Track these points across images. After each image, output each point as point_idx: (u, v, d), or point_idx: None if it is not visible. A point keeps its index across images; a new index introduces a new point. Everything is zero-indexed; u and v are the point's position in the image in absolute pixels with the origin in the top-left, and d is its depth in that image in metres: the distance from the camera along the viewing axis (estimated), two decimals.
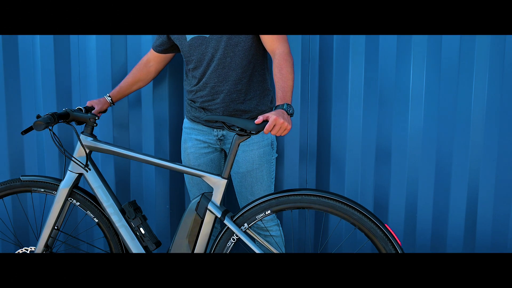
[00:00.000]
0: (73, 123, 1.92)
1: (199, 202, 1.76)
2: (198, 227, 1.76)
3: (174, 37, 1.95)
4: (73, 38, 2.32)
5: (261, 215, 1.73)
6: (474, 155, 2.17)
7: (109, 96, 2.11)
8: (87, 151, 1.85)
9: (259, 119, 1.62)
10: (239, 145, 1.74)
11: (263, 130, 1.64)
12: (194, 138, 2.01)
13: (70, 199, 1.90)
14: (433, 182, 2.21)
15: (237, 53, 1.84)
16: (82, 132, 1.86)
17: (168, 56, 2.10)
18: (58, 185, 1.90)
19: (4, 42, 2.32)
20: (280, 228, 2.05)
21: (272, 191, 2.03)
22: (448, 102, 2.15)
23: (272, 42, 1.81)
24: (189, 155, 2.02)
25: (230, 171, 1.74)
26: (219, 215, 1.73)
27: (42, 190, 1.91)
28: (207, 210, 1.74)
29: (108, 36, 2.28)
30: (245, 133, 1.70)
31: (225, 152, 2.06)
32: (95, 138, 1.87)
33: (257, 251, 1.69)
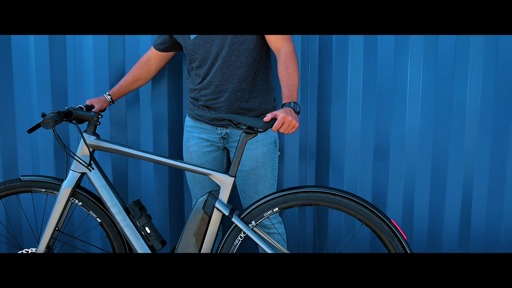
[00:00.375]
0: (74, 121, 1.88)
1: (206, 200, 1.75)
2: (206, 226, 1.76)
3: (177, 36, 1.94)
4: (69, 36, 2.28)
5: (269, 212, 1.74)
6: (469, 152, 2.23)
7: (109, 94, 2.08)
8: (91, 150, 1.82)
9: (268, 117, 1.63)
10: (246, 143, 1.74)
11: (270, 128, 1.66)
12: (197, 136, 2.01)
13: (72, 199, 1.87)
14: (430, 179, 2.26)
15: (242, 52, 1.85)
16: (84, 131, 1.83)
17: (169, 54, 2.09)
18: (60, 185, 1.86)
19: None
20: (282, 225, 2.06)
21: (275, 189, 2.04)
22: (444, 101, 2.21)
23: (277, 41, 1.82)
24: (192, 153, 2.01)
25: (237, 169, 1.75)
26: (226, 213, 1.73)
27: (44, 190, 1.87)
28: (215, 208, 1.74)
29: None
30: (252, 131, 1.70)
31: (227, 150, 2.06)
32: (98, 137, 1.84)
33: (265, 247, 1.70)
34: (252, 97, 1.92)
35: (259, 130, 1.70)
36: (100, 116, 1.83)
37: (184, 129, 2.08)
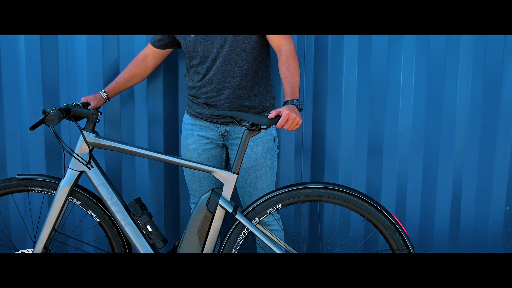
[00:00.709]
0: (72, 118, 1.85)
1: (209, 197, 1.75)
2: (209, 223, 1.76)
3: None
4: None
5: (272, 208, 1.76)
6: (458, 149, 2.30)
7: (105, 92, 2.05)
8: (90, 148, 1.79)
9: (272, 114, 1.64)
10: (249, 140, 1.75)
11: (274, 124, 1.67)
12: (196, 134, 2.00)
13: (71, 198, 1.83)
14: (421, 175, 2.32)
15: (243, 49, 1.86)
16: (83, 129, 1.80)
17: (167, 51, 2.08)
18: (58, 184, 1.82)
19: None
20: (280, 222, 2.08)
21: (274, 186, 2.05)
22: (435, 100, 2.27)
23: (278, 39, 1.84)
24: (191, 151, 2.01)
25: (240, 166, 1.75)
26: (230, 210, 1.74)
27: (41, 189, 1.82)
28: (218, 206, 1.74)
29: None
30: (256, 128, 1.71)
31: (226, 148, 2.06)
32: (97, 134, 1.81)
33: (269, 244, 1.71)
34: (253, 94, 1.93)
35: (262, 127, 1.72)
36: (99, 114, 1.81)
37: (183, 127, 2.07)
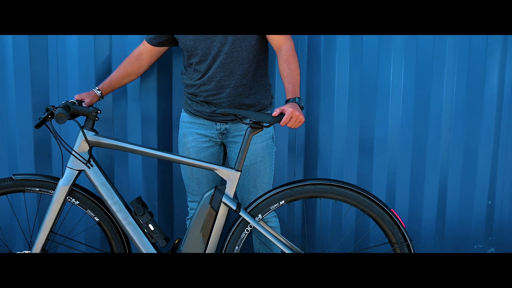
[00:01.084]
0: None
1: (213, 195, 1.76)
2: (212, 221, 1.76)
3: None
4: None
5: (275, 205, 1.78)
6: (445, 147, 2.40)
7: (99, 89, 2.02)
8: (90, 146, 1.76)
9: (276, 112, 1.67)
10: (252, 137, 1.77)
11: (277, 122, 1.69)
12: (195, 132, 2.00)
13: (69, 198, 1.79)
14: (409, 172, 2.40)
15: (244, 48, 1.87)
16: (82, 127, 1.76)
17: (163, 49, 2.06)
18: (55, 184, 1.78)
19: None
20: (277, 219, 2.11)
21: (272, 183, 2.08)
22: (423, 99, 2.36)
23: (278, 38, 1.86)
24: (190, 149, 2.00)
25: (243, 163, 1.77)
26: (234, 207, 1.75)
27: (37, 189, 1.78)
28: (222, 203, 1.75)
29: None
30: (259, 125, 1.73)
31: (224, 146, 2.06)
32: (96, 132, 1.78)
33: (273, 239, 1.74)
34: (252, 93, 1.94)
35: (264, 124, 1.74)
36: (98, 111, 1.78)
37: (180, 125, 2.06)
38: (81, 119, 1.99)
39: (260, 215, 1.78)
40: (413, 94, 2.35)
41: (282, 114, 1.68)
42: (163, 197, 2.36)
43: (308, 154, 2.39)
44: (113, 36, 2.21)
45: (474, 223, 2.47)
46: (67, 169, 1.76)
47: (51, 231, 1.76)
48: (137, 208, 1.79)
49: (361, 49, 2.30)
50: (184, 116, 2.04)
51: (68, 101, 1.80)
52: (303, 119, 1.68)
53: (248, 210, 1.78)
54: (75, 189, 1.79)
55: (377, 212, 1.77)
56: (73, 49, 2.19)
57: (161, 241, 1.80)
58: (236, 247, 1.79)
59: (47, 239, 1.76)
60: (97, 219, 1.82)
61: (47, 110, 1.63)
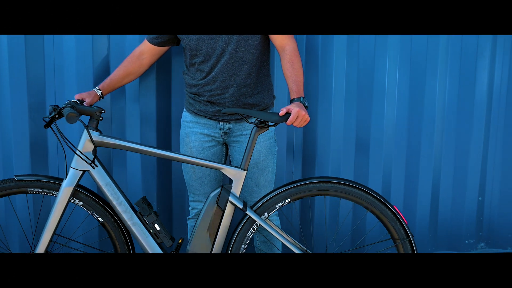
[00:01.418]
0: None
1: (219, 194, 1.77)
2: (219, 220, 1.77)
3: None
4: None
5: (281, 203, 1.80)
6: (437, 145, 2.47)
7: (99, 89, 2.00)
8: (95, 146, 1.74)
9: (283, 111, 1.69)
10: (258, 137, 1.79)
11: (283, 122, 1.72)
12: (198, 132, 2.00)
13: (72, 199, 1.77)
14: (404, 170, 2.47)
15: (248, 48, 1.88)
16: (87, 126, 1.74)
17: (164, 49, 2.06)
18: (58, 184, 1.76)
19: None
20: (278, 217, 2.13)
21: (273, 182, 2.10)
22: (417, 98, 2.42)
23: (282, 39, 1.89)
24: (192, 148, 2.00)
25: (249, 162, 1.78)
26: (241, 206, 1.76)
27: (40, 190, 1.75)
28: (228, 202, 1.76)
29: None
30: (265, 125, 1.75)
31: (226, 145, 2.07)
32: (100, 132, 1.77)
33: (279, 237, 1.76)
34: (256, 92, 1.96)
35: (269, 124, 1.76)
36: (103, 111, 1.76)
37: (182, 125, 2.06)
38: (84, 119, 1.96)
39: (266, 214, 1.80)
40: (407, 94, 2.41)
41: (288, 114, 1.70)
42: (162, 198, 2.35)
43: (306, 153, 2.42)
44: (111, 35, 2.19)
45: (466, 219, 2.55)
46: (71, 169, 1.74)
47: (54, 232, 1.73)
48: (142, 208, 1.78)
49: (357, 49, 2.35)
50: (186, 116, 2.04)
51: (71, 101, 1.78)
52: (309, 118, 1.71)
53: (254, 208, 1.80)
54: (79, 189, 1.77)
55: (380, 209, 1.81)
56: (70, 48, 2.16)
57: (167, 241, 1.79)
58: (243, 246, 1.80)
59: (51, 240, 1.73)
60: (101, 220, 1.80)
61: (55, 109, 1.61)
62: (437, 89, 2.42)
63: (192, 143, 2.01)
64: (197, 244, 1.77)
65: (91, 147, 1.75)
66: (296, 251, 1.77)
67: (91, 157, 1.75)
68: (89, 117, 1.76)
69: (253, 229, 1.80)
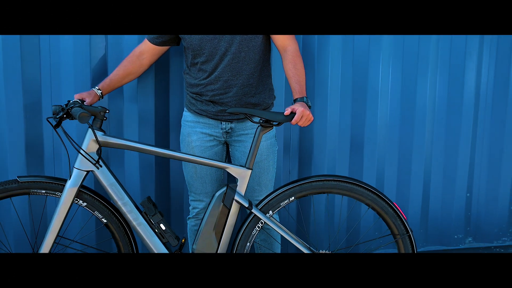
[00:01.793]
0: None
1: (225, 193, 1.78)
2: (225, 218, 1.79)
3: None
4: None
5: (285, 201, 1.83)
6: (428, 143, 2.55)
7: (99, 89, 1.98)
8: (100, 146, 1.73)
9: (288, 111, 1.72)
10: (262, 136, 1.81)
11: (288, 121, 1.75)
12: (199, 131, 2.01)
13: (76, 200, 1.75)
14: (396, 168, 2.54)
15: (251, 48, 1.90)
16: (92, 126, 1.73)
17: (164, 48, 2.06)
18: (62, 185, 1.74)
19: None
20: (277, 216, 2.16)
21: (274, 181, 2.12)
22: (409, 98, 2.49)
23: (284, 39, 1.91)
24: (194, 148, 2.01)
25: (254, 161, 1.81)
26: (246, 205, 1.78)
27: (44, 191, 1.72)
28: (234, 201, 1.78)
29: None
30: (269, 124, 1.78)
31: (227, 144, 2.09)
32: (104, 132, 1.76)
33: (285, 235, 1.79)
34: (258, 92, 1.98)
35: (274, 123, 1.78)
36: (107, 111, 1.75)
37: (183, 124, 2.06)
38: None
39: (270, 212, 1.83)
40: (399, 94, 2.48)
41: (293, 113, 1.73)
42: (161, 197, 2.34)
43: (302, 152, 2.45)
44: (109, 35, 2.17)
45: (455, 215, 2.64)
46: (75, 170, 1.72)
47: (58, 234, 1.71)
48: (148, 208, 1.78)
49: (352, 50, 2.40)
50: (188, 116, 2.05)
51: (73, 101, 1.76)
52: (312, 118, 1.75)
53: (259, 207, 1.82)
54: (83, 190, 1.75)
55: (381, 206, 1.86)
56: (67, 48, 2.13)
57: (173, 240, 1.80)
58: (248, 244, 1.82)
59: (54, 242, 1.71)
60: (105, 221, 1.79)
61: (62, 109, 1.59)
62: (428, 89, 2.50)
63: (194, 143, 2.01)
64: (203, 243, 1.78)
65: (95, 147, 1.74)
66: (302, 248, 1.80)
67: (95, 157, 1.73)
68: (93, 117, 1.74)
69: (258, 227, 1.82)
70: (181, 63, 2.26)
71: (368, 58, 2.42)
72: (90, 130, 1.73)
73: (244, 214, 2.09)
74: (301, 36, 2.36)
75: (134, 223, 1.77)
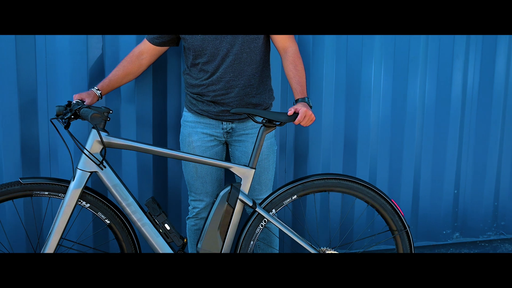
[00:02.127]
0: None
1: (229, 193, 1.80)
2: (229, 217, 1.81)
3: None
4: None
5: (288, 200, 1.87)
6: (418, 141, 2.63)
7: (98, 89, 1.97)
8: (104, 147, 1.72)
9: (291, 111, 1.76)
10: (265, 136, 1.84)
11: (291, 121, 1.78)
12: (200, 131, 2.02)
13: (79, 201, 1.74)
14: (388, 166, 2.60)
15: (253, 49, 1.93)
16: (93, 127, 1.72)
17: (164, 49, 2.06)
18: (65, 187, 1.72)
19: None
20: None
21: (273, 180, 2.15)
22: (400, 98, 2.56)
23: (284, 41, 1.95)
24: (195, 148, 2.02)
25: (257, 161, 1.83)
26: (250, 204, 1.81)
27: (46, 193, 1.70)
28: (238, 200, 1.80)
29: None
30: (272, 124, 1.81)
31: (227, 144, 2.11)
32: (108, 133, 1.75)
33: (288, 233, 1.82)
34: (258, 93, 2.01)
35: (276, 123, 1.82)
36: (110, 112, 1.74)
37: (184, 125, 2.07)
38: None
39: (274, 210, 1.86)
40: (391, 95, 2.55)
41: (296, 113, 1.77)
42: (158, 198, 2.33)
43: (298, 152, 2.49)
44: (106, 35, 2.15)
45: (443, 211, 2.73)
46: (78, 171, 1.71)
47: (62, 235, 1.70)
48: (153, 209, 1.78)
49: (346, 51, 2.46)
50: (188, 116, 2.05)
51: (77, 101, 1.75)
52: (314, 118, 1.79)
53: (263, 205, 1.85)
54: (86, 191, 1.74)
55: (380, 203, 1.91)
56: (64, 47, 2.10)
57: (177, 240, 1.80)
58: (252, 242, 1.85)
59: (58, 244, 1.69)
60: (108, 222, 1.79)
61: (70, 110, 1.58)
62: (418, 90, 2.58)
63: (195, 143, 2.02)
64: (209, 242, 1.80)
65: (99, 148, 1.73)
66: (305, 245, 1.83)
67: (99, 158, 1.72)
68: None
69: (262, 225, 1.85)
70: (179, 63, 2.27)
71: (361, 59, 2.48)
72: (93, 130, 1.72)
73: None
74: (296, 37, 2.40)
75: (139, 223, 1.77)
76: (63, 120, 1.63)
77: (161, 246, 1.79)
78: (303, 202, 2.53)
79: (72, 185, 1.70)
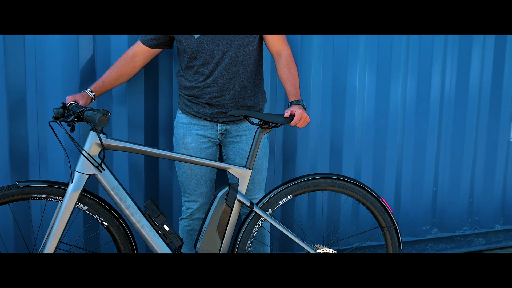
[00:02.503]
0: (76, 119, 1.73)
1: (228, 193, 1.83)
2: (228, 218, 1.84)
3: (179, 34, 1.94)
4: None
5: (284, 200, 1.92)
6: (400, 141, 2.74)
7: (91, 91, 1.96)
8: (103, 149, 1.72)
9: (287, 113, 1.82)
10: (262, 137, 1.88)
11: (287, 123, 1.83)
12: (195, 133, 2.04)
13: (77, 204, 1.73)
14: (372, 165, 2.70)
15: (248, 53, 1.97)
16: (91, 129, 1.72)
17: (157, 51, 2.06)
18: (63, 189, 1.71)
19: None
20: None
21: (265, 180, 2.20)
22: (383, 99, 2.67)
23: (278, 44, 2.00)
24: (190, 150, 2.04)
25: (254, 162, 1.87)
26: (248, 204, 1.85)
27: (44, 196, 1.69)
28: (236, 200, 1.84)
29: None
30: (268, 126, 1.86)
31: (220, 146, 2.13)
32: (106, 135, 1.75)
33: (285, 231, 1.87)
34: (253, 95, 2.05)
35: (272, 125, 1.86)
36: (108, 114, 1.74)
37: (178, 126, 2.08)
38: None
39: (270, 210, 1.90)
40: (374, 96, 2.64)
41: (292, 115, 1.82)
42: (149, 198, 2.33)
43: (286, 153, 2.55)
44: (97, 36, 2.14)
45: (423, 208, 2.85)
46: (76, 173, 1.70)
47: (61, 239, 1.68)
48: (152, 210, 1.79)
49: (332, 54, 2.53)
50: (182, 118, 2.07)
51: (73, 103, 1.74)
52: (309, 119, 1.85)
53: (259, 205, 1.89)
54: (84, 194, 1.73)
55: (370, 201, 1.99)
56: (55, 48, 2.07)
57: (176, 241, 1.82)
58: (249, 241, 1.88)
59: (57, 247, 1.68)
60: (106, 224, 1.78)
61: (73, 113, 1.57)
62: (399, 92, 2.69)
63: (189, 145, 2.04)
64: (208, 242, 1.82)
65: (97, 150, 1.73)
66: (301, 243, 1.89)
67: (98, 160, 1.72)
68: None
69: (258, 225, 1.89)
70: (170, 65, 2.28)
71: (346, 63, 2.56)
72: (92, 132, 1.72)
73: None
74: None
75: (138, 225, 1.77)
76: (68, 123, 1.62)
77: (160, 247, 1.80)
78: (292, 202, 2.59)
79: (70, 187, 1.69)
